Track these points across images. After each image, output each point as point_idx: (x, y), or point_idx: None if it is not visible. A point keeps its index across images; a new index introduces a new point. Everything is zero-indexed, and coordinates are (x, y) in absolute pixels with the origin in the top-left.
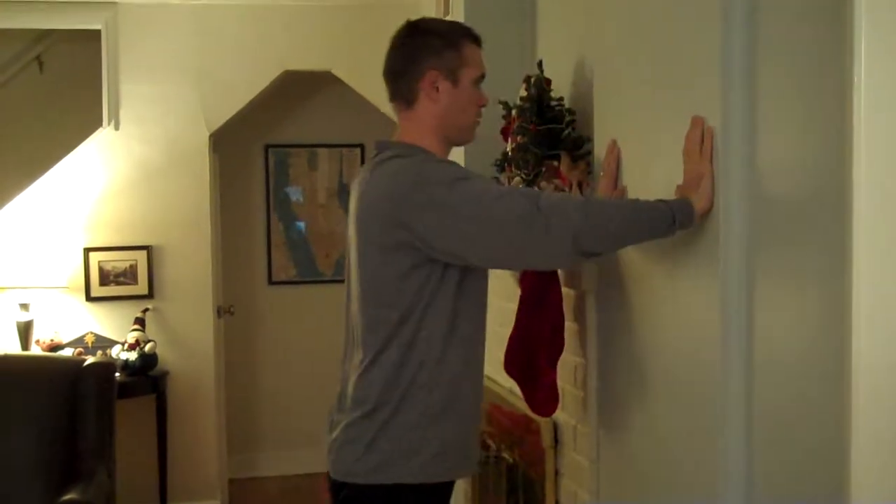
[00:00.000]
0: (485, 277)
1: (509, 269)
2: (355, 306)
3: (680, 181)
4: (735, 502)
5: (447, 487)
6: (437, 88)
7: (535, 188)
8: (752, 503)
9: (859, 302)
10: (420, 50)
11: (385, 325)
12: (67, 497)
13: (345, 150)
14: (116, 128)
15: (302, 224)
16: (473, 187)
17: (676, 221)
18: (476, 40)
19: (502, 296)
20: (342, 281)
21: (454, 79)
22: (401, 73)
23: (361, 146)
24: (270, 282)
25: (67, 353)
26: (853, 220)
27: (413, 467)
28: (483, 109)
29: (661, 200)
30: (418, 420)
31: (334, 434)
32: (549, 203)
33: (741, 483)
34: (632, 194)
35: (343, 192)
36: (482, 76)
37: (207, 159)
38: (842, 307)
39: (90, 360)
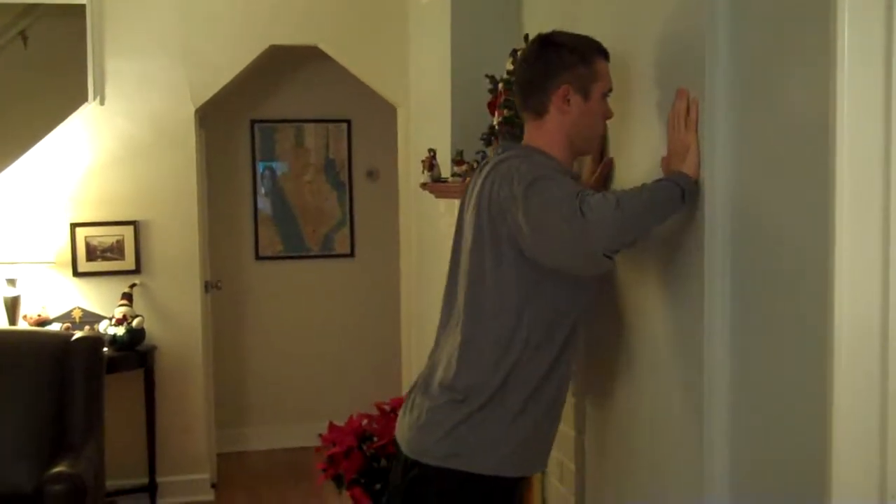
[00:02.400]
0: (588, 286)
1: (561, 269)
2: (460, 296)
3: (664, 153)
4: (720, 472)
5: (515, 482)
6: (569, 102)
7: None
8: (738, 472)
9: (841, 286)
10: (553, 64)
11: (483, 317)
12: (57, 470)
13: (331, 126)
14: (102, 103)
15: (287, 200)
16: (543, 187)
17: (685, 192)
18: (606, 55)
19: None
20: (329, 256)
21: (585, 93)
22: (534, 86)
23: (348, 122)
24: (257, 257)
25: (55, 328)
26: (835, 195)
27: (489, 459)
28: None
29: (664, 179)
30: (502, 416)
31: (415, 413)
32: (590, 202)
33: (725, 456)
34: (619, 166)
35: (329, 168)
36: (610, 90)
37: (193, 135)
38: (825, 288)
39: (78, 334)
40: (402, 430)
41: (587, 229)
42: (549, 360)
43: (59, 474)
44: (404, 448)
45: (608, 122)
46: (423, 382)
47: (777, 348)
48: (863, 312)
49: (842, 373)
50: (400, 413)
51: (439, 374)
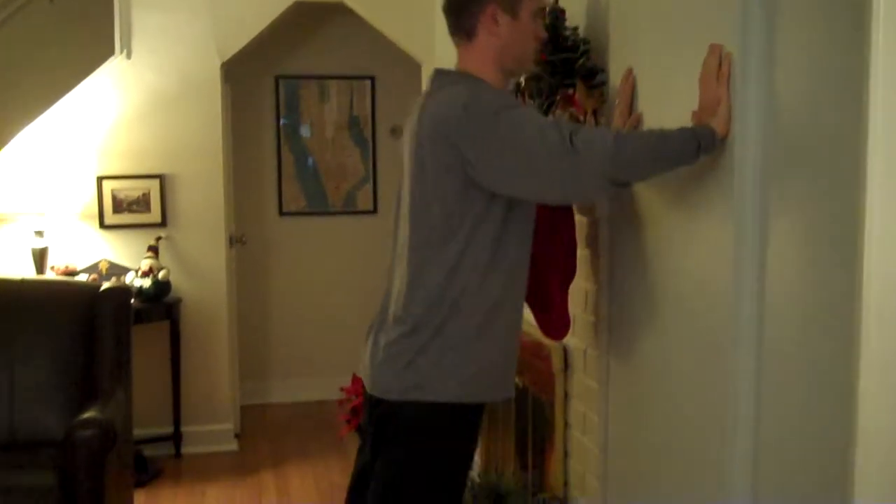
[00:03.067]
0: (532, 210)
1: (545, 201)
2: (404, 227)
3: (695, 108)
4: (744, 424)
5: (479, 409)
6: (497, 22)
7: (551, 116)
8: (761, 424)
9: (871, 229)
10: None
11: (430, 247)
12: (86, 416)
13: (355, 83)
14: (128, 57)
15: (311, 156)
16: (518, 118)
17: (701, 147)
18: None
19: None
20: (352, 213)
21: (514, 12)
22: (461, 7)
23: (372, 78)
24: (281, 213)
25: (82, 279)
26: (868, 150)
27: (449, 387)
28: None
29: (684, 128)
30: (457, 343)
31: (373, 352)
32: (582, 137)
33: (751, 406)
34: (647, 121)
35: (353, 125)
36: (542, 9)
37: (219, 89)
38: (854, 242)
39: (107, 284)
40: (365, 370)
41: (577, 162)
42: (499, 286)
43: (89, 420)
44: (368, 388)
45: (637, 73)
46: (379, 320)
47: (805, 297)
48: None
49: (869, 329)
50: (362, 354)
51: (391, 309)
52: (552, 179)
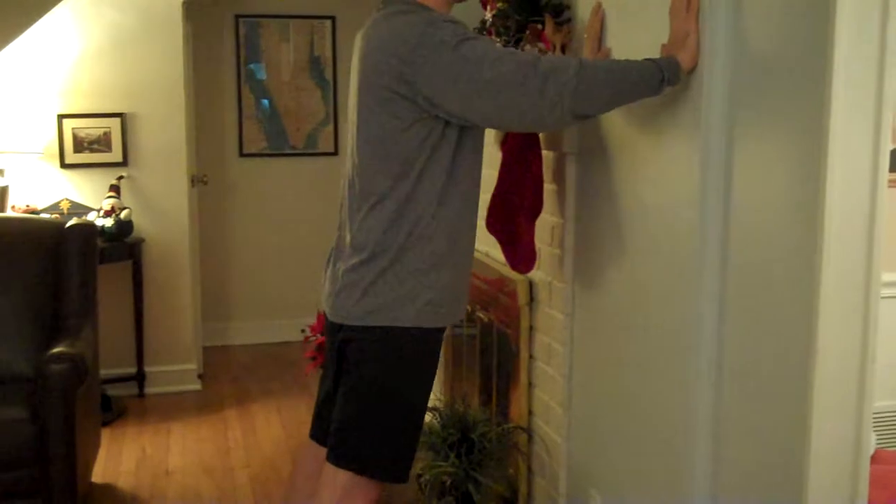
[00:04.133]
0: (482, 133)
1: (506, 129)
2: (356, 157)
3: (665, 42)
4: (707, 347)
5: (439, 333)
6: None
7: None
8: (725, 341)
9: (833, 159)
10: None
11: (384, 176)
12: (57, 350)
13: (315, 22)
14: None
15: (271, 97)
16: (476, 49)
17: (665, 78)
18: None
19: (485, 163)
20: (313, 154)
21: None
22: None
23: (333, 18)
24: (241, 153)
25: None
26: (832, 77)
27: (408, 312)
28: None
29: (648, 59)
30: (415, 268)
31: (332, 279)
32: (546, 66)
33: (715, 327)
34: (617, 55)
35: (314, 65)
36: None
37: (180, 27)
38: (816, 164)
39: (73, 221)
40: (325, 298)
41: (544, 93)
42: (454, 213)
43: (60, 354)
44: (329, 315)
45: (606, 8)
46: (336, 250)
47: (768, 228)
48: (852, 194)
49: (830, 248)
50: (322, 284)
51: (347, 237)
52: (515, 105)
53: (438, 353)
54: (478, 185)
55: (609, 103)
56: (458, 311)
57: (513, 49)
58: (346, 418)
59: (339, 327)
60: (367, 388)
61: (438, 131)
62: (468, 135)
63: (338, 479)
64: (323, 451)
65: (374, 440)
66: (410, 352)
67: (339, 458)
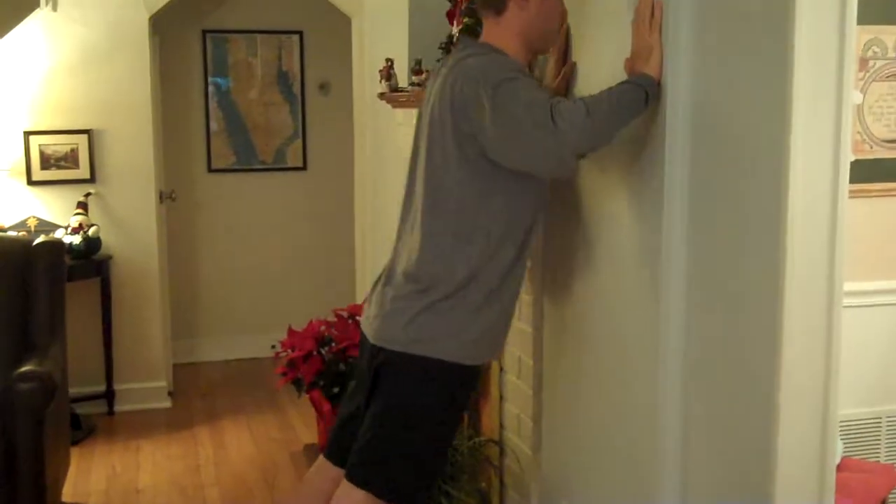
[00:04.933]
0: (541, 185)
1: (531, 172)
2: (419, 188)
3: (628, 55)
4: (673, 359)
5: (476, 372)
6: None
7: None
8: (689, 352)
9: (795, 171)
10: None
11: (445, 212)
12: (25, 369)
13: (283, 37)
14: (54, 8)
15: (239, 112)
16: (512, 90)
17: (649, 96)
18: None
19: None
20: (282, 169)
21: None
22: None
23: (300, 33)
24: (210, 169)
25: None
26: (793, 95)
27: (452, 346)
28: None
29: (628, 82)
30: (466, 306)
31: (379, 303)
32: (561, 111)
33: (681, 338)
34: (582, 69)
35: (282, 80)
36: None
37: (147, 42)
38: (779, 175)
39: (40, 239)
40: (368, 320)
41: (558, 136)
42: (511, 257)
43: (29, 373)
44: (371, 337)
45: (571, 23)
46: (387, 274)
47: (732, 241)
48: (813, 205)
49: (793, 263)
50: (364, 306)
51: (402, 265)
52: (533, 151)
53: (473, 389)
54: (535, 229)
55: (614, 132)
56: (498, 350)
57: (545, 92)
58: (373, 440)
59: (380, 350)
60: (399, 414)
61: (500, 171)
62: (527, 184)
63: (353, 497)
64: (336, 471)
65: (398, 465)
66: (447, 385)
67: (359, 477)
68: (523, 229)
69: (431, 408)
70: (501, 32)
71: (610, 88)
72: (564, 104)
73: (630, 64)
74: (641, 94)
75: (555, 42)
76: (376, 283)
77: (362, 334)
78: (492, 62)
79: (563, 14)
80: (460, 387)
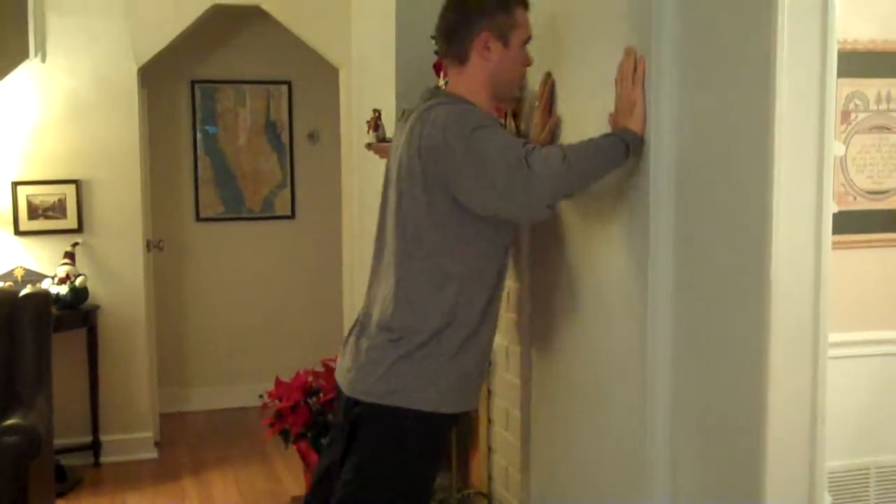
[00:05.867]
0: (508, 229)
1: (506, 218)
2: (390, 240)
3: (612, 110)
4: (662, 413)
5: (451, 420)
6: (489, 48)
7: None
8: (678, 411)
9: (778, 223)
10: (475, 12)
11: (417, 260)
12: (10, 422)
13: (272, 87)
14: (43, 60)
15: (227, 162)
16: (485, 137)
17: (630, 149)
18: (525, 5)
19: None
20: (270, 218)
21: (505, 40)
22: (455, 33)
23: (289, 83)
24: (198, 218)
25: None
26: (774, 147)
27: (429, 395)
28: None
29: (609, 135)
30: (441, 354)
31: (354, 354)
32: (536, 157)
33: (668, 395)
34: (566, 123)
35: (270, 130)
36: (529, 38)
37: (136, 94)
38: (761, 228)
39: (26, 290)
40: (342, 371)
41: (532, 179)
42: (484, 300)
43: (13, 426)
44: (345, 389)
45: (556, 77)
46: (360, 325)
47: (717, 292)
48: (797, 257)
49: (777, 315)
50: (339, 357)
51: (375, 315)
52: (507, 194)
53: (449, 438)
54: (505, 274)
55: (589, 182)
56: (475, 398)
57: (516, 142)
58: (352, 492)
59: (356, 402)
60: (378, 465)
61: (470, 219)
62: (496, 228)
63: None
64: None
65: None
66: (424, 435)
67: None
68: (495, 272)
69: (410, 459)
70: (466, 82)
71: (591, 139)
72: (541, 149)
73: (614, 118)
74: (621, 147)
75: (516, 90)
76: (350, 332)
77: (337, 386)
78: (464, 112)
79: (526, 62)
80: (438, 436)
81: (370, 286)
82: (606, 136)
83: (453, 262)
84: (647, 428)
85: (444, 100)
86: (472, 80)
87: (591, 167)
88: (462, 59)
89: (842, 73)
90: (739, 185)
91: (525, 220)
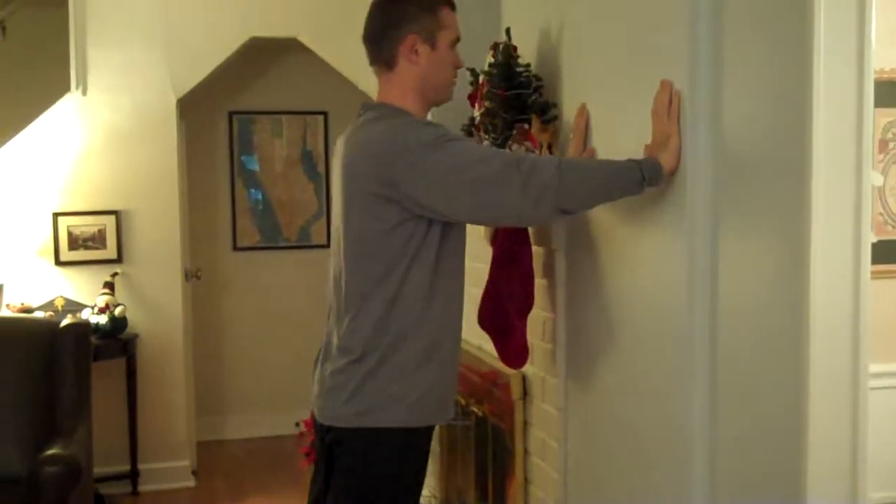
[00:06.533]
0: (464, 231)
1: (490, 225)
2: (341, 261)
3: (648, 141)
4: (701, 445)
5: (428, 432)
6: (417, 52)
7: (508, 150)
8: (718, 443)
9: (816, 253)
10: (399, 15)
11: (370, 277)
12: (51, 452)
13: (308, 118)
14: (84, 93)
15: (264, 191)
16: (457, 148)
17: (645, 179)
18: (451, 5)
19: (474, 257)
20: (306, 247)
21: (432, 42)
22: (381, 37)
23: (325, 114)
24: (235, 247)
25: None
26: (812, 171)
27: (397, 412)
28: (458, 70)
29: (630, 160)
30: (403, 368)
31: (320, 381)
32: (527, 164)
33: (706, 426)
34: (601, 155)
35: (306, 160)
36: (458, 39)
37: (175, 125)
38: (800, 258)
39: (67, 320)
40: (314, 399)
41: (524, 190)
42: (440, 311)
43: (54, 456)
44: (318, 416)
45: (590, 108)
46: (324, 350)
47: (756, 324)
48: (836, 286)
49: (816, 346)
50: (310, 384)
51: (335, 339)
52: (499, 203)
53: (428, 450)
54: (461, 282)
55: (590, 200)
56: (447, 410)
57: (494, 148)
58: None
59: (328, 429)
60: (359, 489)
61: (422, 231)
62: (450, 233)
63: None
64: None
65: None
66: (400, 452)
67: None
68: (450, 282)
69: (390, 478)
70: (396, 88)
71: (605, 159)
72: (533, 156)
73: (650, 150)
74: (636, 175)
75: (450, 94)
76: (315, 360)
77: (312, 414)
78: (406, 126)
79: (457, 64)
80: (414, 449)
81: (329, 308)
82: (628, 160)
83: (407, 277)
84: (687, 458)
85: (381, 112)
86: (403, 85)
87: (592, 184)
88: (390, 65)
89: (879, 102)
90: (777, 216)
91: (524, 225)
